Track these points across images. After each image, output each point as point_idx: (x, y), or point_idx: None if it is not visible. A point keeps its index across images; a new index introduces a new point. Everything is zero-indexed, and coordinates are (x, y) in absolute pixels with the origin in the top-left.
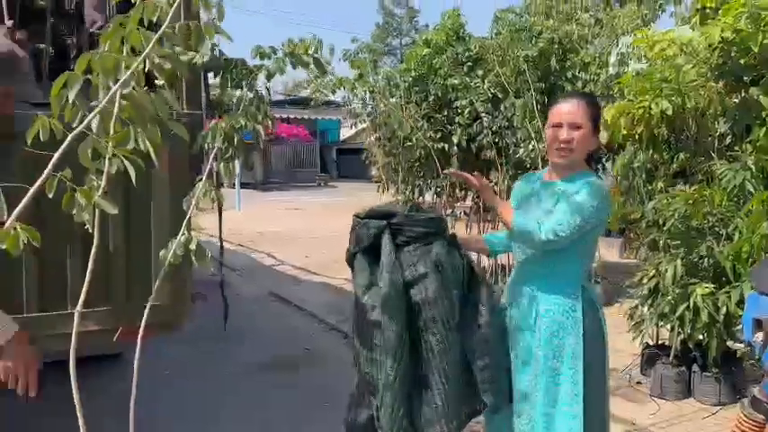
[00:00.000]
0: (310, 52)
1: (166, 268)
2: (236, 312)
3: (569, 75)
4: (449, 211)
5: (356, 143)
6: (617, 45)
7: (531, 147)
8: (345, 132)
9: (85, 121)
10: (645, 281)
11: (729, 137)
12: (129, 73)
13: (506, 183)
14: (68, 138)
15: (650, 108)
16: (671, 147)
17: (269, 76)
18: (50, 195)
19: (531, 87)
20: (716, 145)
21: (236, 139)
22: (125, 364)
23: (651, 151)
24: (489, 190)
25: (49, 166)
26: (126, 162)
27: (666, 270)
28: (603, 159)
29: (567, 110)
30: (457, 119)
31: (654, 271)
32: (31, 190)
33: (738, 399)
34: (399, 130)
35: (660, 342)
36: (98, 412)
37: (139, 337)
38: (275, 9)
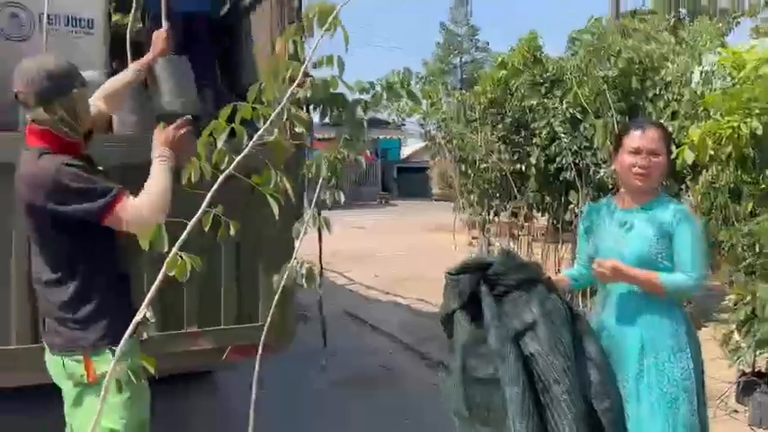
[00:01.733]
0: (405, 85)
1: (280, 292)
2: (315, 331)
3: (650, 95)
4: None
5: (416, 161)
6: (699, 63)
7: (612, 168)
8: (405, 151)
9: (233, 164)
10: (740, 306)
11: None
12: (267, 124)
13: (587, 204)
14: (219, 179)
15: (739, 128)
16: (755, 166)
17: (366, 109)
18: (206, 229)
19: (611, 108)
20: None
21: (339, 169)
22: (213, 382)
23: (738, 171)
24: (621, 274)
25: (205, 202)
26: (270, 200)
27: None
28: (687, 179)
29: (647, 137)
30: (534, 140)
31: (750, 297)
32: (190, 224)
33: None
34: (474, 153)
35: (757, 369)
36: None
37: (258, 355)
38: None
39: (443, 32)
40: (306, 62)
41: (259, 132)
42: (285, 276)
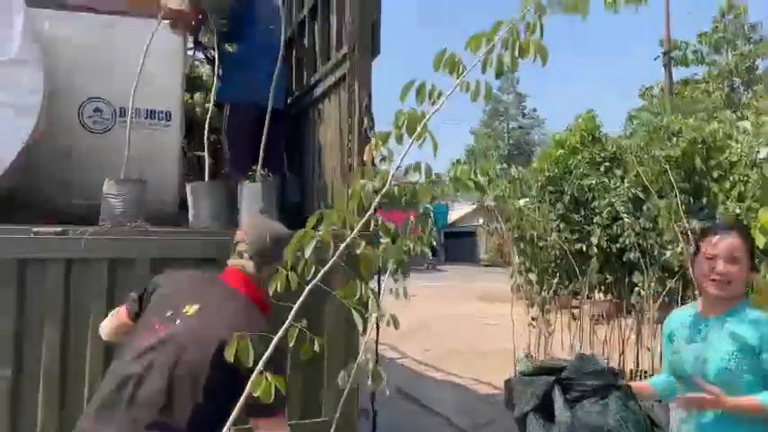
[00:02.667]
0: (472, 177)
1: (347, 390)
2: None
3: (715, 175)
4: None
5: (464, 226)
6: (766, 144)
7: (679, 249)
8: (453, 215)
9: (318, 277)
10: None
11: None
12: (354, 232)
13: (653, 286)
14: (305, 291)
15: None
16: None
17: (432, 199)
18: (291, 344)
19: (674, 188)
20: None
21: (404, 262)
22: None
23: None
24: (727, 402)
25: (290, 317)
26: (354, 312)
27: None
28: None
29: (725, 243)
30: (595, 219)
31: None
32: (275, 339)
33: None
34: (532, 231)
35: None
36: None
37: None
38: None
39: (490, 100)
40: (393, 170)
41: (346, 242)
42: (352, 375)
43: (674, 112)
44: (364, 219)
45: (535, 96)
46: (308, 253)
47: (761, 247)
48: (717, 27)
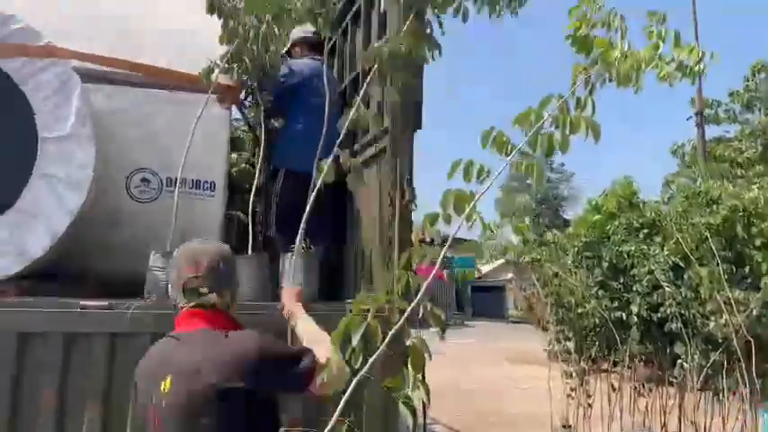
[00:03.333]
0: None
1: None
2: None
3: (758, 243)
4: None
5: (491, 280)
6: None
7: (722, 320)
8: (480, 269)
9: (366, 366)
10: None
11: None
12: (402, 319)
13: (696, 358)
14: (353, 382)
15: None
16: None
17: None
18: None
19: (715, 256)
20: None
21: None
22: None
23: None
24: None
25: (337, 411)
26: (404, 409)
27: None
28: None
29: None
30: (635, 287)
31: None
32: None
33: None
34: (570, 298)
35: None
36: None
37: None
38: None
39: (519, 154)
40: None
41: (392, 331)
42: None
43: (711, 176)
44: (412, 305)
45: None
46: (355, 341)
47: None
48: (748, 86)
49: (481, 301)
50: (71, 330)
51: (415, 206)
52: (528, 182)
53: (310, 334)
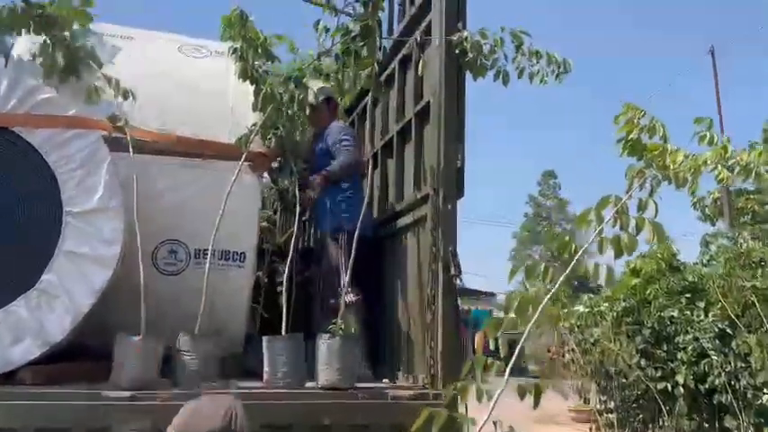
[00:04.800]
0: None
1: None
2: None
3: None
4: None
5: (509, 333)
6: None
7: None
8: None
9: None
10: None
11: None
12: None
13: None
14: None
15: None
16: None
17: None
18: None
19: (764, 322)
20: None
21: None
22: None
23: None
24: None
25: None
26: None
27: None
28: None
29: None
30: (679, 355)
31: None
32: None
33: None
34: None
35: None
36: None
37: None
38: None
39: (532, 204)
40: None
41: None
42: None
43: (753, 236)
44: None
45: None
46: None
47: None
48: (766, 137)
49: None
50: (92, 425)
51: (461, 281)
52: (543, 232)
53: None
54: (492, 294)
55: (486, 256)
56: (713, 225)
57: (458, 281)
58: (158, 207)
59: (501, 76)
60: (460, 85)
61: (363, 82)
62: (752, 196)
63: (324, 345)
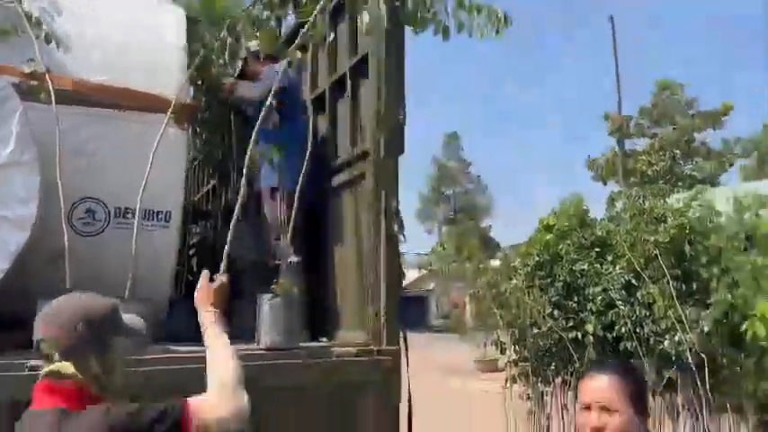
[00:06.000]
0: None
1: None
2: None
3: (704, 260)
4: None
5: (413, 291)
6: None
7: (676, 338)
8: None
9: None
10: None
11: None
12: None
13: (652, 376)
14: None
15: None
16: None
17: None
18: None
19: (666, 274)
20: None
21: None
22: None
23: None
24: None
25: None
26: None
27: None
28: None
29: (596, 387)
30: (589, 306)
31: None
32: None
33: None
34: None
35: None
36: None
37: None
38: None
39: (436, 166)
40: None
41: None
42: None
43: (652, 194)
44: None
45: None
46: None
47: (761, 335)
48: (656, 102)
49: (403, 312)
50: (19, 398)
51: (404, 237)
52: (446, 193)
53: (217, 371)
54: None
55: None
56: (605, 185)
57: (401, 238)
58: (74, 162)
59: (441, 30)
60: (400, 39)
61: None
62: (641, 157)
63: (266, 305)
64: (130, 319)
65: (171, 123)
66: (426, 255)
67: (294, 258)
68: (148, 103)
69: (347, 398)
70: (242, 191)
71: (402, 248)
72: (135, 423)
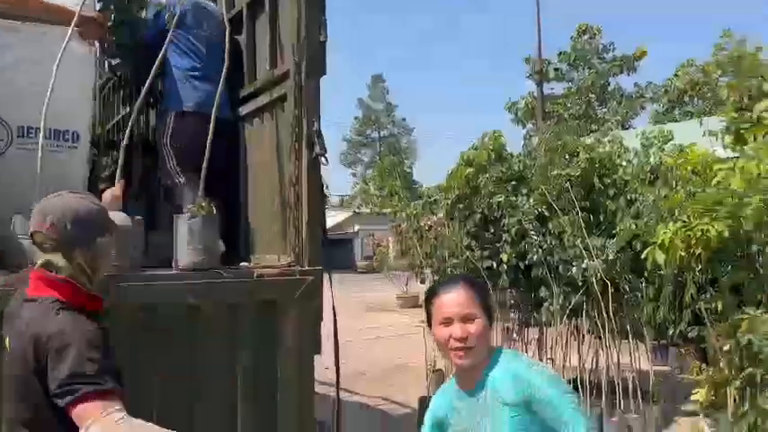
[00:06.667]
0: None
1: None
2: None
3: (611, 193)
4: None
5: (338, 233)
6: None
7: (583, 265)
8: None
9: None
10: (740, 416)
11: None
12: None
13: (560, 301)
14: None
15: (707, 230)
16: (722, 266)
17: None
18: None
19: (575, 206)
20: None
21: None
22: None
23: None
24: None
25: None
26: None
27: None
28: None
29: (455, 301)
30: (504, 236)
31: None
32: None
33: None
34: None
35: None
36: None
37: None
38: None
39: (361, 108)
40: None
41: None
42: None
43: (567, 132)
44: None
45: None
46: None
47: (660, 262)
48: (575, 46)
49: (329, 254)
50: None
51: (326, 160)
52: (372, 135)
53: None
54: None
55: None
56: (524, 127)
57: (322, 160)
58: None
59: None
60: None
61: None
62: (559, 101)
63: (184, 225)
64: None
65: (77, 38)
66: (350, 196)
67: (193, 184)
68: (51, 15)
69: (269, 317)
70: (150, 116)
71: (327, 192)
72: (105, 341)
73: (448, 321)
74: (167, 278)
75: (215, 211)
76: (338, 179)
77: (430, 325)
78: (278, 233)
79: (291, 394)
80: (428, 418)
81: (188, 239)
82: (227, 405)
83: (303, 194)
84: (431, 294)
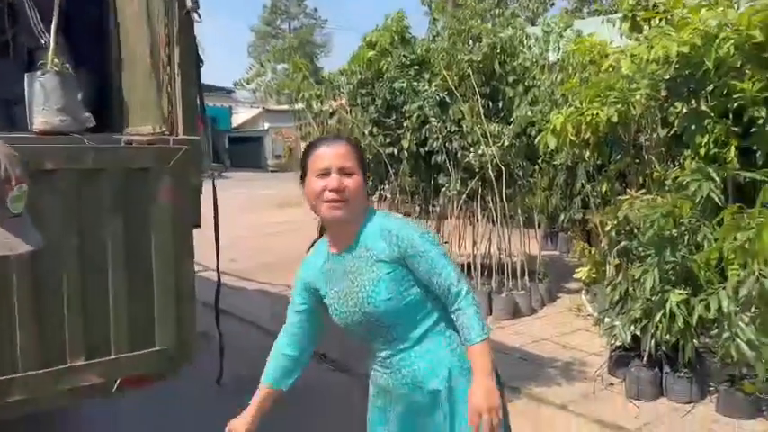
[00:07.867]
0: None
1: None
2: None
3: (511, 79)
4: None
5: (248, 131)
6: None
7: (480, 151)
8: (236, 119)
9: None
10: (613, 286)
11: (667, 143)
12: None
13: (457, 186)
14: None
15: (597, 115)
16: (610, 151)
17: None
18: None
19: (476, 92)
20: (662, 150)
21: None
22: (76, 418)
23: (596, 156)
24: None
25: None
26: None
27: (643, 278)
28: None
29: (334, 152)
30: (405, 123)
31: (621, 276)
32: None
33: (708, 395)
34: (347, 135)
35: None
36: None
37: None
38: None
39: None
40: None
41: None
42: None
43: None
44: None
45: None
46: None
47: (551, 147)
48: None
49: (239, 153)
50: None
51: (199, 17)
52: (282, 27)
53: None
54: (230, 90)
55: (224, 51)
56: (435, 22)
57: (195, 16)
58: None
59: None
60: None
61: None
62: None
63: (36, 82)
64: None
65: None
66: (257, 91)
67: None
68: None
69: (139, 185)
70: None
71: (202, 54)
72: None
73: (325, 172)
74: (19, 141)
75: (70, 70)
76: (244, 72)
77: (304, 182)
78: (153, 104)
79: (168, 261)
80: (299, 280)
81: (42, 99)
82: (100, 273)
83: (175, 57)
84: (310, 147)
